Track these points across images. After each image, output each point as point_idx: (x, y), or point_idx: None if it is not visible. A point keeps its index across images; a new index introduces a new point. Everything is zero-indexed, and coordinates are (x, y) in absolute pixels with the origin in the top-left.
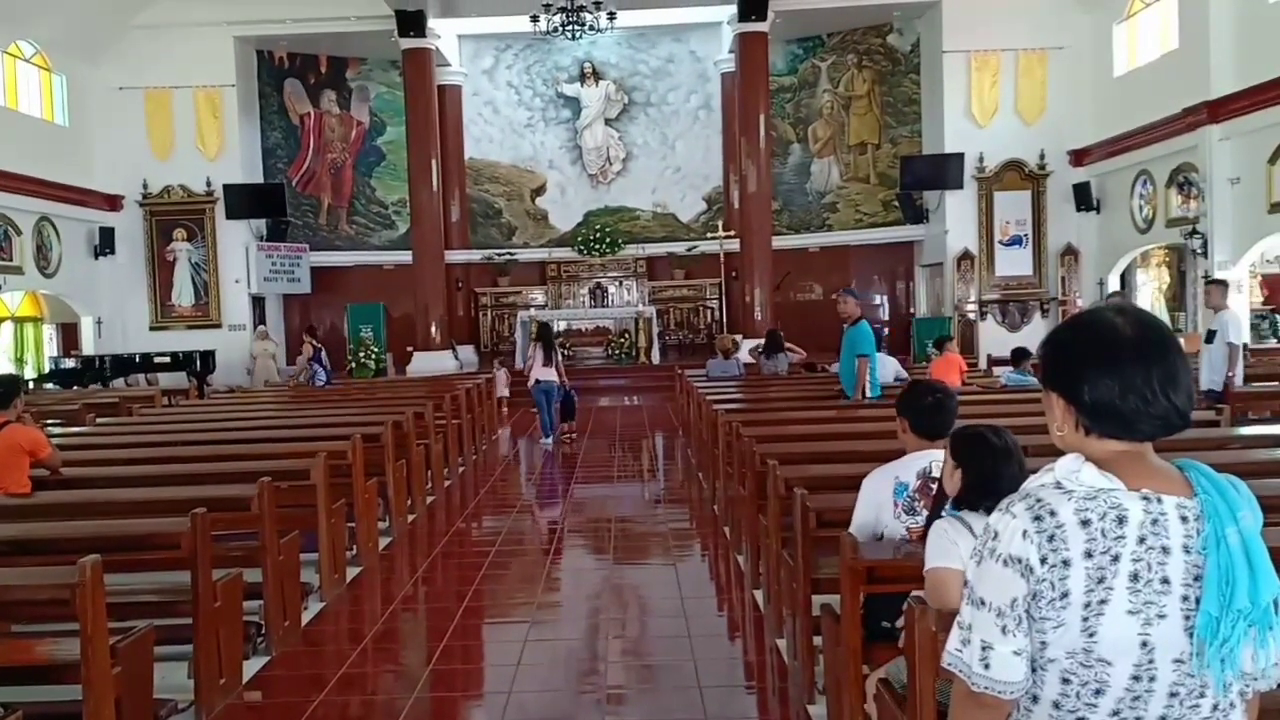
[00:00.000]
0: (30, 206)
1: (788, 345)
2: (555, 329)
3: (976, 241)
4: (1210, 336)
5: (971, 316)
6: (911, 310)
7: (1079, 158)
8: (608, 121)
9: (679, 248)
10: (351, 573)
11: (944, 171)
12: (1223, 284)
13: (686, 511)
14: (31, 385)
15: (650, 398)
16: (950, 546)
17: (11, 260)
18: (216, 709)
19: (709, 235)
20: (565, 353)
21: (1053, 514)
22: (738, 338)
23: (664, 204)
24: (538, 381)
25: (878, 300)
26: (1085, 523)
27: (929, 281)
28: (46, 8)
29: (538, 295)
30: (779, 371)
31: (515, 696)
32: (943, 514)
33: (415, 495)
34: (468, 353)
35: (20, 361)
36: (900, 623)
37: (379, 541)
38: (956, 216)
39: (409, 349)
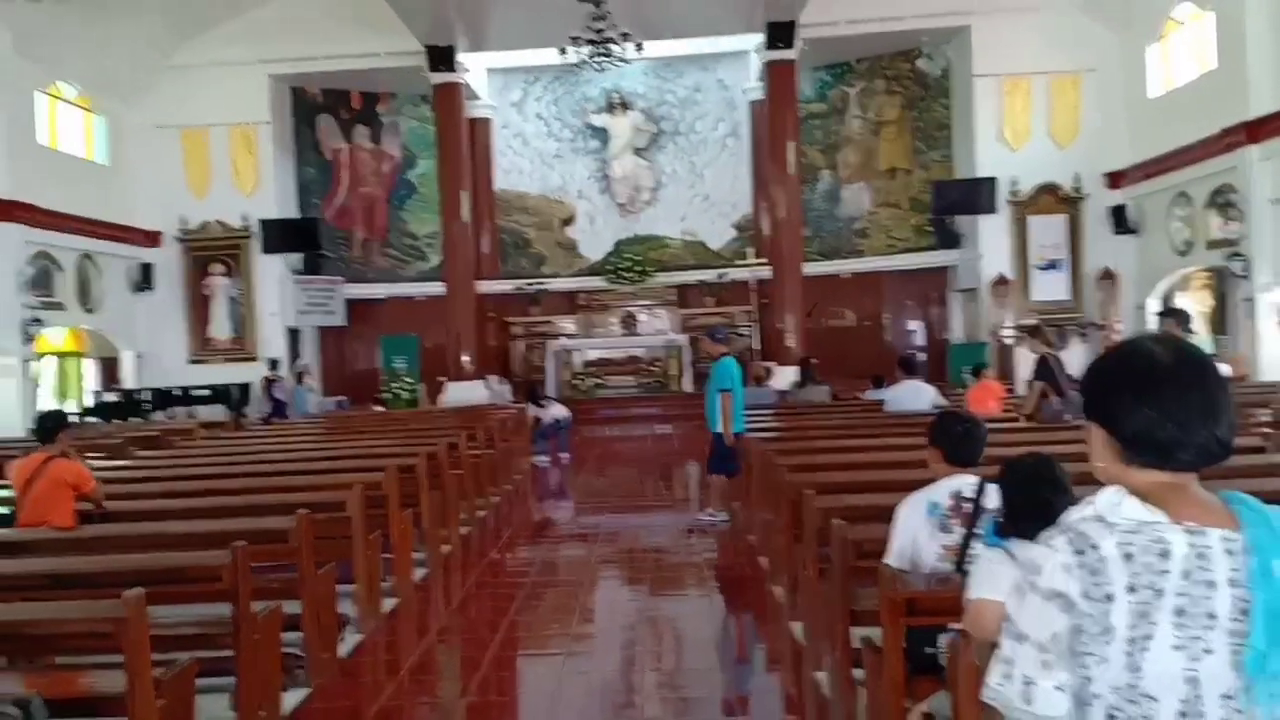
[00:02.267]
0: (73, 244)
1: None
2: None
3: (1011, 266)
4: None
5: (1008, 341)
6: (946, 335)
7: (1115, 180)
8: (636, 151)
9: (709, 275)
10: (387, 604)
11: (977, 196)
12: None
13: (721, 541)
14: (75, 419)
15: (683, 426)
16: (993, 577)
17: (54, 297)
18: None
19: (739, 263)
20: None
21: (1094, 547)
22: (770, 365)
23: (694, 232)
24: (541, 420)
25: (912, 326)
26: (1128, 556)
27: (964, 306)
28: (86, 50)
29: (568, 324)
30: (812, 400)
31: None
32: (977, 533)
33: (450, 526)
34: (499, 383)
35: (63, 396)
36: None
37: (414, 572)
38: (990, 241)
39: (440, 379)
